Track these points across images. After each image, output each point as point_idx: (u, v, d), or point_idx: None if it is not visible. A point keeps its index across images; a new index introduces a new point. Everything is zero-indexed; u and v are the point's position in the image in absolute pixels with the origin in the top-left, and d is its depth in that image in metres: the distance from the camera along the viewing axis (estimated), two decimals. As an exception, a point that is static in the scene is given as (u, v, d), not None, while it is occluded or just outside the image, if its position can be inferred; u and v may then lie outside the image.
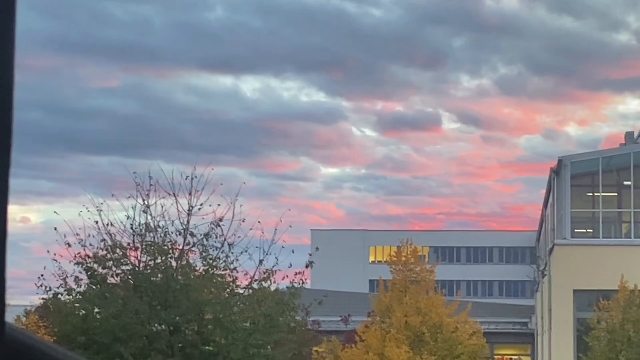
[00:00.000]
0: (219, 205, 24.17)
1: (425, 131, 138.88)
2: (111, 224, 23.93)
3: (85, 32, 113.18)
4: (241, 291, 24.64)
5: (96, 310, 23.70)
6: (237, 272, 24.43)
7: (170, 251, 23.95)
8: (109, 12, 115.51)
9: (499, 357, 66.70)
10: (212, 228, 24.13)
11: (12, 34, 1.63)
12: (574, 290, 47.48)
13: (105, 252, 23.76)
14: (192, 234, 24.18)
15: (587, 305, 45.71)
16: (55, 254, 23.78)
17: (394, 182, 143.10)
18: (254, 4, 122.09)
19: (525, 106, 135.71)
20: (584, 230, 52.32)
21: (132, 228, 24.05)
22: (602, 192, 50.80)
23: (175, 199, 24.27)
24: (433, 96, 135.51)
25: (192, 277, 23.70)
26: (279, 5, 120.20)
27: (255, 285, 24.44)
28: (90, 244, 23.84)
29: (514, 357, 69.53)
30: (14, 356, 1.72)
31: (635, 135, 61.12)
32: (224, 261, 24.18)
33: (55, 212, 24.68)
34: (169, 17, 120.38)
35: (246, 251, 24.29)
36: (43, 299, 25.45)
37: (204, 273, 24.02)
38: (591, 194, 51.45)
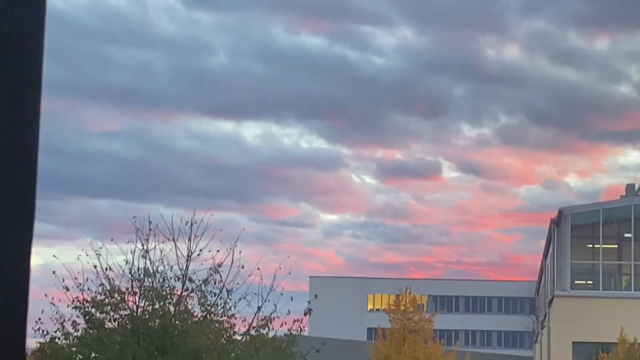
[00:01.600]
0: (218, 251, 24.11)
1: (426, 179, 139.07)
2: (110, 268, 23.86)
3: (87, 76, 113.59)
4: (239, 338, 24.53)
5: (93, 355, 23.56)
6: (235, 318, 24.35)
7: (169, 297, 23.86)
8: (112, 56, 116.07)
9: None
10: (211, 274, 24.04)
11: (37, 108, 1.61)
12: (574, 342, 47.26)
13: (103, 296, 23.68)
14: (190, 280, 24.09)
15: (586, 357, 45.52)
16: (53, 298, 23.71)
17: (394, 230, 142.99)
18: (256, 50, 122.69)
19: (526, 156, 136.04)
20: (584, 282, 52.17)
21: (130, 273, 23.97)
22: (603, 244, 50.71)
23: (175, 244, 24.21)
24: (433, 145, 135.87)
25: (189, 323, 23.59)
26: (281, 52, 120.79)
27: (253, 332, 24.33)
28: (89, 288, 23.77)
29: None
30: None
31: (636, 187, 61.16)
32: (222, 307, 24.10)
33: (54, 255, 24.54)
34: (172, 62, 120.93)
35: (245, 297, 24.22)
36: (40, 342, 25.32)
37: (201, 319, 23.92)
38: (591, 245, 51.37)
